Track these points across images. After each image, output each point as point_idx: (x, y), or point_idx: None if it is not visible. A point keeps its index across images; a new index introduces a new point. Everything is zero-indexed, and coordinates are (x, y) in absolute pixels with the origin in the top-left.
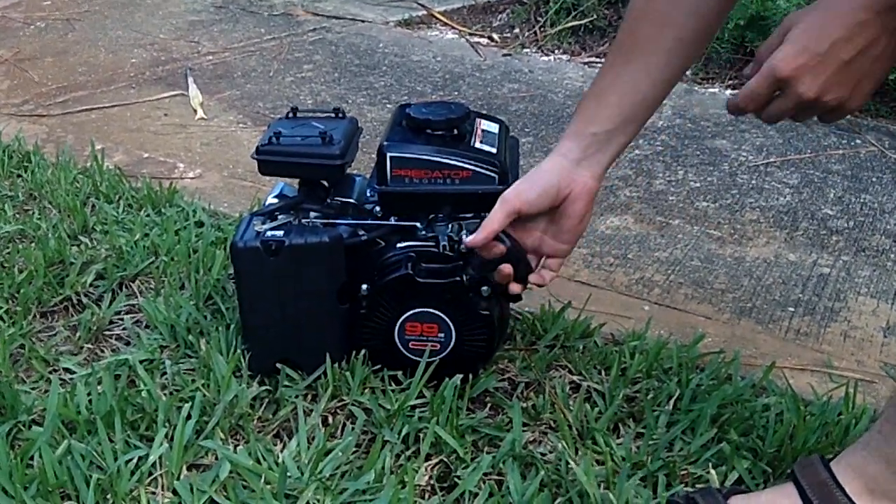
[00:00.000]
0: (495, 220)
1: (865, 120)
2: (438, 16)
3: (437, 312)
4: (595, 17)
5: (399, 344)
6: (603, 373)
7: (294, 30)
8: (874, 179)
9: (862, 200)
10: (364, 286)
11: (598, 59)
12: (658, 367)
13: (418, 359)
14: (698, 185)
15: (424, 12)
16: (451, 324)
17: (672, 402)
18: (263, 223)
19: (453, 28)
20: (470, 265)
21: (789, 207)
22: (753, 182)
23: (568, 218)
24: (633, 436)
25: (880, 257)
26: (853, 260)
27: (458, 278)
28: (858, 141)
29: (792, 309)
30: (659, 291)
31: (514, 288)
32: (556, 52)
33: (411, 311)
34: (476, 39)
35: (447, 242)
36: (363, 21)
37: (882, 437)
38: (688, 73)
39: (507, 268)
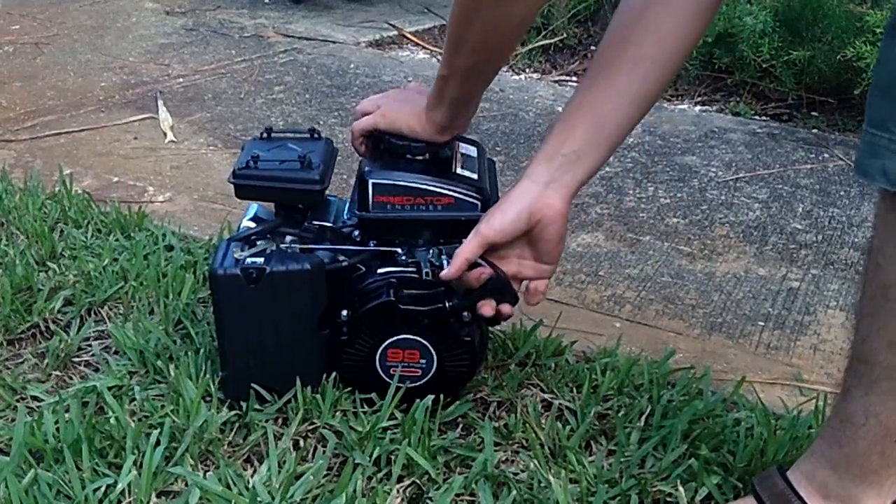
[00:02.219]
0: (467, 250)
1: (832, 134)
2: (409, 36)
3: (418, 339)
4: (565, 35)
5: (380, 371)
6: (574, 390)
7: (265, 51)
8: (842, 193)
9: (830, 214)
10: (344, 312)
11: (568, 78)
12: (629, 384)
13: (400, 385)
14: (668, 201)
15: (395, 33)
16: (432, 350)
17: (643, 418)
18: (242, 249)
19: (424, 48)
20: (454, 295)
21: (758, 222)
22: (723, 197)
23: (544, 241)
24: (605, 453)
25: (849, 270)
26: (822, 273)
27: (440, 305)
28: (826, 155)
29: (762, 323)
30: (630, 308)
31: (505, 309)
32: (527, 70)
33: (393, 338)
34: None
35: (430, 269)
36: (334, 42)
37: (826, 444)
38: None
39: (488, 305)
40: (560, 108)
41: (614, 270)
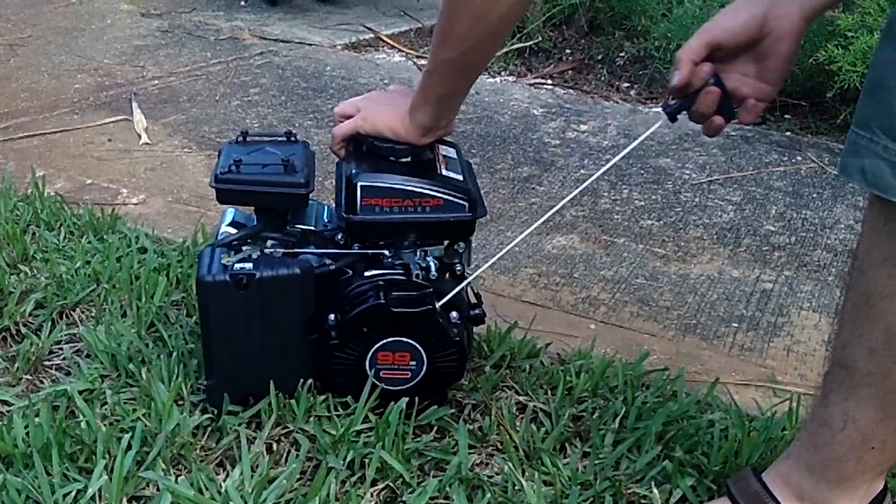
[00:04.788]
0: (691, 48)
1: (805, 137)
2: (385, 39)
3: (409, 341)
4: (540, 39)
5: (370, 374)
6: (549, 392)
7: (241, 53)
8: (815, 195)
9: (803, 216)
10: (332, 316)
11: (543, 81)
12: (604, 386)
13: (390, 388)
14: (643, 203)
15: (371, 35)
16: (422, 351)
17: (618, 420)
18: (228, 255)
19: (400, 51)
20: (669, 105)
21: (732, 224)
22: (697, 200)
23: (772, 57)
24: (580, 455)
25: (822, 272)
26: (795, 275)
27: (430, 306)
28: (799, 158)
29: (736, 325)
30: (604, 310)
31: (718, 121)
32: (503, 73)
33: (383, 341)
34: (423, 62)
35: (419, 270)
36: (310, 44)
37: (803, 447)
38: (631, 93)
39: (713, 90)
40: (535, 112)
41: (589, 272)
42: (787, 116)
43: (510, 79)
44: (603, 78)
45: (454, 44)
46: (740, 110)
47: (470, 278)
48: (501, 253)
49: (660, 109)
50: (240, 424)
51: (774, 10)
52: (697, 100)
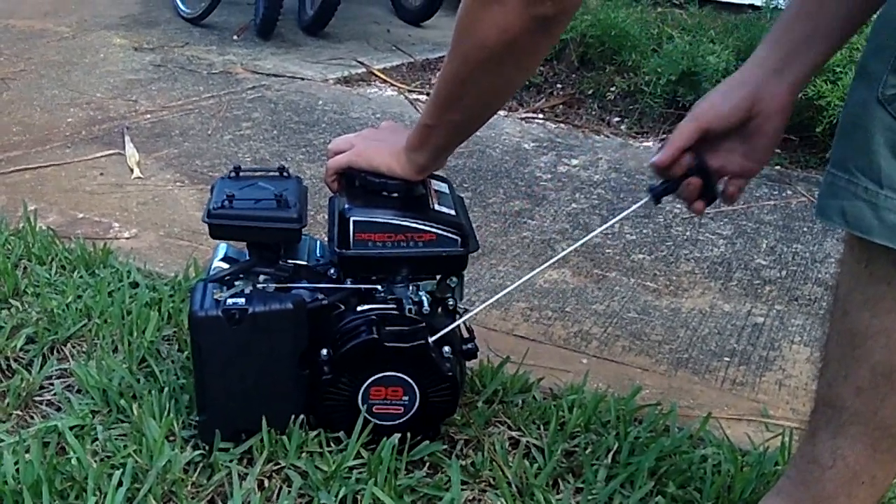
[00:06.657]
0: (683, 135)
1: (795, 171)
2: (377, 73)
3: (401, 376)
4: None
5: (363, 409)
6: (542, 427)
7: (233, 88)
8: (805, 229)
9: (794, 250)
10: (324, 351)
11: (534, 115)
12: (596, 421)
13: (382, 423)
14: (634, 237)
15: (364, 70)
16: (415, 386)
17: (610, 455)
18: (221, 290)
19: (392, 85)
20: (655, 186)
21: (723, 258)
22: (688, 234)
23: (761, 135)
24: (573, 491)
25: (813, 306)
26: (786, 309)
27: (422, 341)
28: (789, 192)
29: (727, 359)
30: (596, 344)
31: (699, 206)
32: None
33: (376, 376)
34: (415, 96)
35: (412, 305)
36: (302, 79)
37: (792, 483)
38: (622, 127)
39: (695, 181)
40: (527, 146)
41: (581, 306)
42: (776, 151)
43: (502, 113)
44: (594, 112)
45: (461, 110)
46: (725, 187)
47: (466, 316)
48: (503, 292)
49: (647, 190)
50: (231, 461)
51: (762, 89)
52: (680, 187)
